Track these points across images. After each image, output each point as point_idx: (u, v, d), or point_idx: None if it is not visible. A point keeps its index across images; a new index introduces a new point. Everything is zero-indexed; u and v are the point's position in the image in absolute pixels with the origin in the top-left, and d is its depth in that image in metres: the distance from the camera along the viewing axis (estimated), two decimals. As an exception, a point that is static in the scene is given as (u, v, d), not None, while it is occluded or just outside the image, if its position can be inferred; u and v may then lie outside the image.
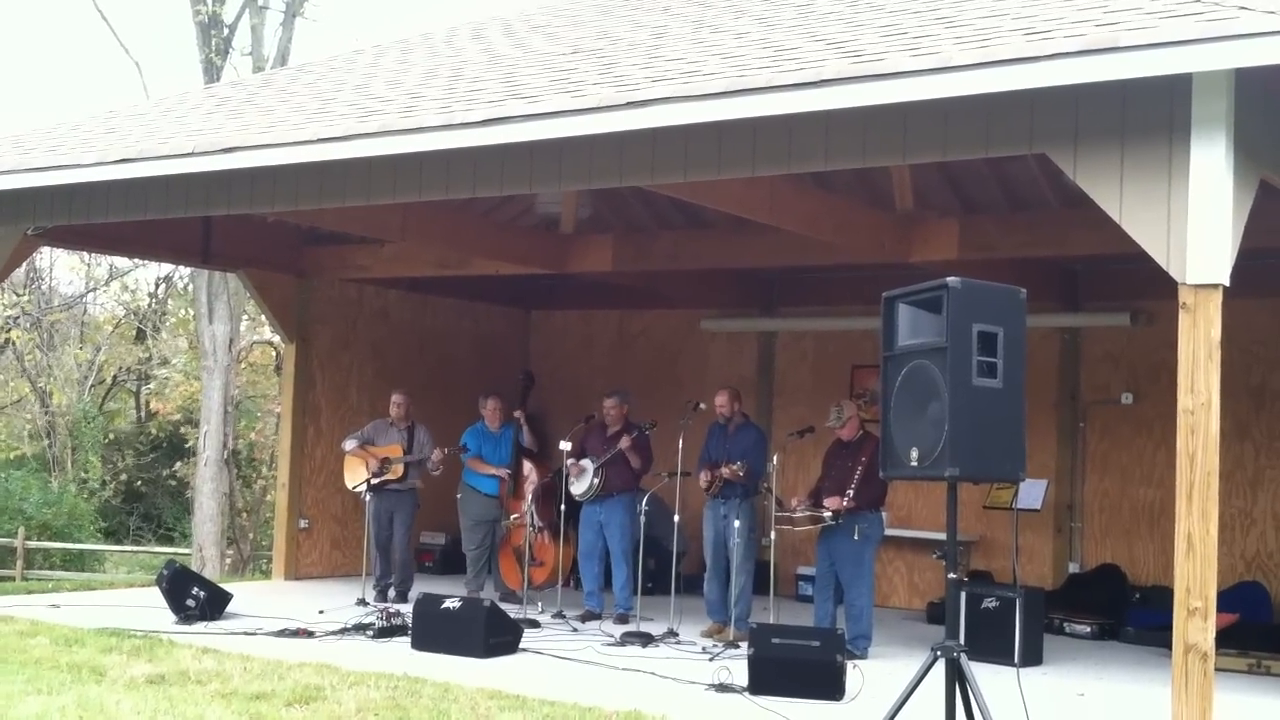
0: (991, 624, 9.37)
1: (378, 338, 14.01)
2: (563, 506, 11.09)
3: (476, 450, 11.92)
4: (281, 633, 9.52)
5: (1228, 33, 5.55)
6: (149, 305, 28.77)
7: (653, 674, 8.45)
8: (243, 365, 23.13)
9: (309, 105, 9.52)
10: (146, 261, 24.38)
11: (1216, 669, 6.00)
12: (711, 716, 7.45)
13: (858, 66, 6.48)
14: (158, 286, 28.75)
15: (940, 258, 10.29)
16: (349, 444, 11.98)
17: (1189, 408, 5.95)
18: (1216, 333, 5.94)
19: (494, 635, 9.02)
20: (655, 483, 10.86)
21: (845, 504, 9.38)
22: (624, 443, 10.82)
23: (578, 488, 10.99)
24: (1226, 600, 8.69)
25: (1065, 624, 11.05)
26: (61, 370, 27.93)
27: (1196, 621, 5.91)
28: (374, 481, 11.71)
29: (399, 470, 11.79)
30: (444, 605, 9.18)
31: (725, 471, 10.02)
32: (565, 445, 10.95)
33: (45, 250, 19.61)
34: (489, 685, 7.73)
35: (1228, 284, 5.95)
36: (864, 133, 6.89)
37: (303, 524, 13.32)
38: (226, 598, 10.38)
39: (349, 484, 12.03)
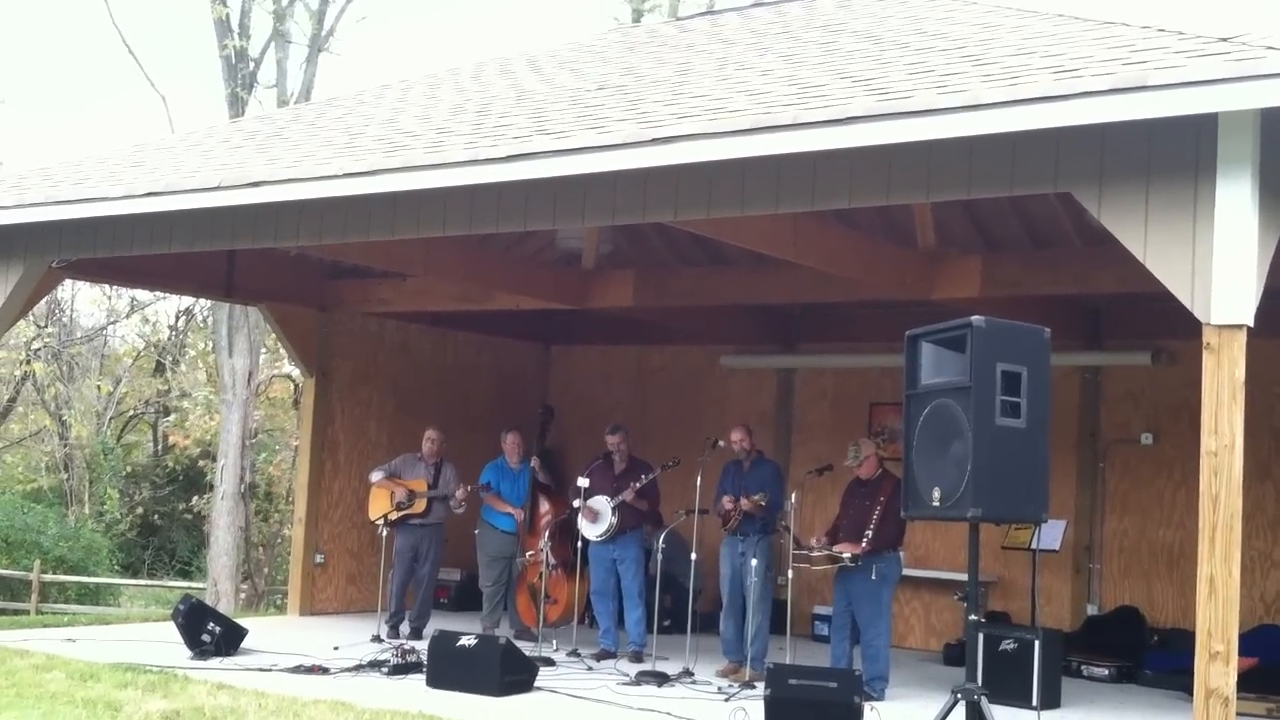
0: (1009, 666, 9.27)
1: (398, 372, 14.02)
2: (579, 544, 11.05)
3: (496, 486, 11.90)
4: (296, 669, 9.46)
5: (1255, 73, 5.56)
6: (169, 338, 28.90)
7: (668, 714, 8.37)
8: (261, 399, 23.17)
9: (336, 140, 9.58)
10: (169, 294, 24.49)
11: (1236, 713, 5.92)
12: (730, 756, 7.40)
13: (884, 104, 6.49)
14: (178, 319, 28.90)
15: (962, 295, 10.28)
16: (376, 475, 11.97)
17: (1212, 449, 5.90)
18: (1240, 373, 5.91)
19: (509, 673, 8.96)
20: (673, 520, 10.83)
21: (862, 548, 9.33)
22: (628, 495, 10.79)
23: (595, 529, 10.91)
24: (1246, 644, 8.57)
25: (1083, 666, 10.94)
26: (81, 402, 28.02)
27: (1218, 665, 5.84)
28: (394, 516, 11.69)
29: (421, 505, 11.77)
30: (459, 642, 9.12)
31: (746, 503, 9.97)
32: (583, 482, 10.91)
33: (67, 282, 19.70)
34: (505, 723, 7.69)
35: (1252, 324, 5.92)
36: (889, 170, 6.89)
37: (319, 559, 13.30)
38: (242, 633, 10.34)
39: (372, 515, 12.00)
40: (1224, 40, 6.14)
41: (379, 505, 11.91)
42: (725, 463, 10.54)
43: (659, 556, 10.29)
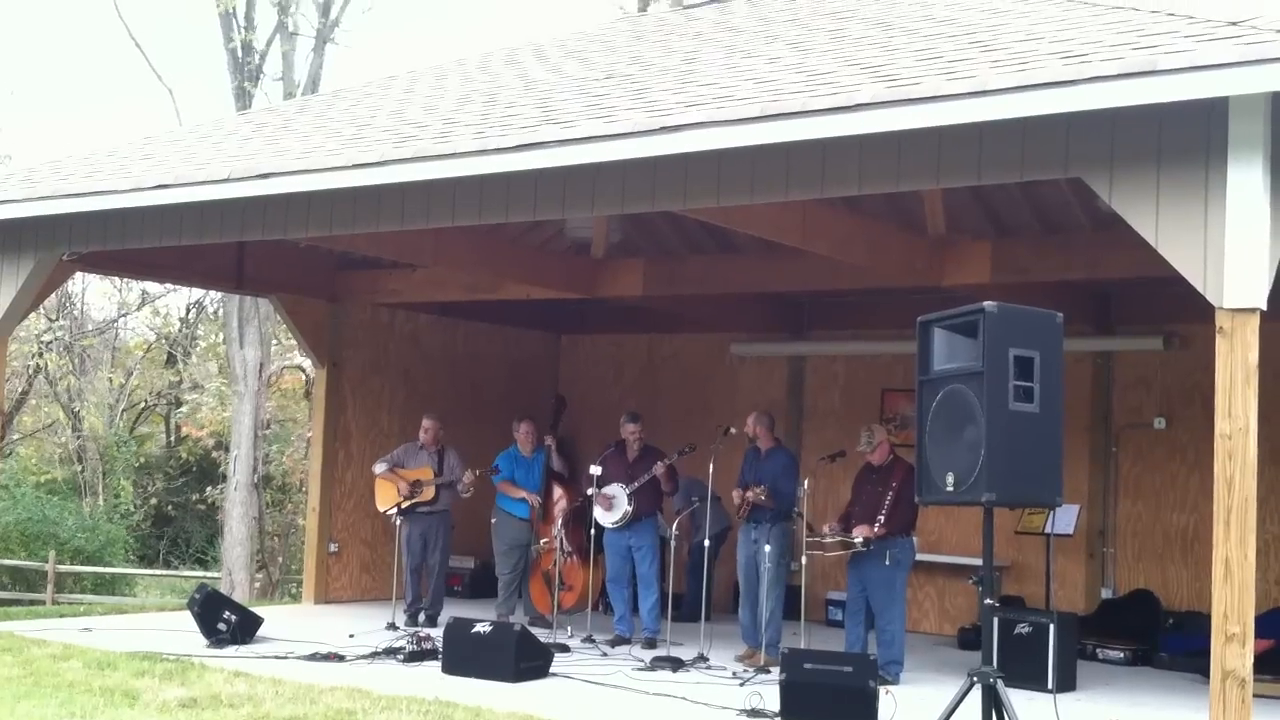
0: (1025, 649, 9.30)
1: (409, 362, 14.04)
2: (592, 531, 11.08)
3: (509, 474, 11.93)
4: (313, 656, 9.50)
5: (1265, 56, 5.55)
6: (180, 330, 28.97)
7: (684, 699, 8.42)
8: (273, 390, 23.22)
9: (345, 131, 9.59)
10: (179, 287, 24.53)
11: (1252, 695, 5.94)
12: (745, 742, 7.43)
13: (893, 90, 6.49)
14: (188, 311, 28.97)
15: (972, 281, 10.27)
16: (379, 467, 12.02)
17: (1226, 432, 5.91)
18: (1254, 356, 5.91)
19: (524, 660, 8.99)
20: (686, 507, 10.83)
21: (876, 531, 9.36)
22: (658, 469, 10.80)
23: (610, 516, 10.90)
24: (1260, 626, 8.57)
25: (1098, 650, 10.96)
26: (94, 395, 28.11)
27: (1234, 647, 5.87)
28: (404, 505, 11.73)
29: (430, 493, 11.80)
30: (474, 629, 9.16)
31: (750, 496, 10.00)
32: (596, 470, 10.93)
33: (77, 275, 19.77)
34: (520, 710, 7.71)
35: (1265, 308, 5.92)
36: (898, 157, 6.89)
37: (333, 548, 13.34)
38: (258, 621, 10.39)
39: (380, 507, 12.04)
40: (1234, 24, 6.13)
41: (387, 496, 11.94)
42: (746, 449, 10.55)
43: (672, 544, 10.31)
